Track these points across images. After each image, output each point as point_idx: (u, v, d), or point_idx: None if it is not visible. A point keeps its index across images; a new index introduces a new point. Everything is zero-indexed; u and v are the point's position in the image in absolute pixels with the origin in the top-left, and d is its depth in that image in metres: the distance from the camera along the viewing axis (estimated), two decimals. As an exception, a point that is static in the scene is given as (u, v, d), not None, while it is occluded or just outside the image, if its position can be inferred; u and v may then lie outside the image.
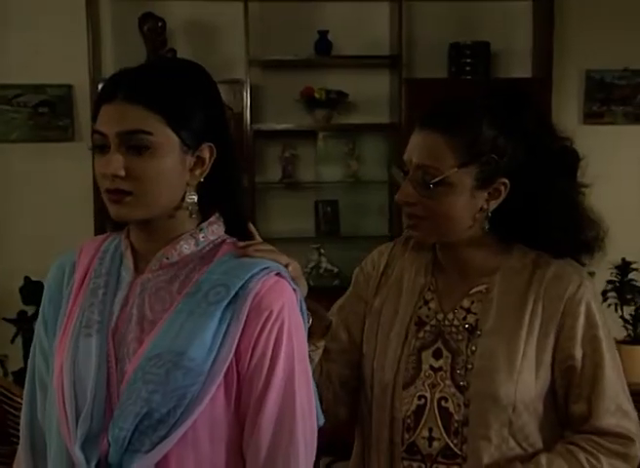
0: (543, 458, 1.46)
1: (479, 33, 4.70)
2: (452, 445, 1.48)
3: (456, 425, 1.48)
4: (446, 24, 4.75)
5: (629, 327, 3.44)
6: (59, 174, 4.63)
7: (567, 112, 4.65)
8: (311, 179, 4.84)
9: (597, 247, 1.56)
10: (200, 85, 1.34)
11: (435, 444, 1.49)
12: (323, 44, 4.63)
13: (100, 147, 1.26)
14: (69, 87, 4.64)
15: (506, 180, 1.49)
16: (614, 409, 1.48)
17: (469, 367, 1.49)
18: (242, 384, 1.26)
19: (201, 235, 1.32)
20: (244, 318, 1.25)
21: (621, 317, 3.41)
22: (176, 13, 4.65)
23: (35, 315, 4.40)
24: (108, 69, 4.63)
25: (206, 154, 1.30)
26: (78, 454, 1.21)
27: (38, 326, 1.40)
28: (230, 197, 1.38)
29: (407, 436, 1.52)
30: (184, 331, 1.23)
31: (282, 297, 1.28)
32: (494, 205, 1.51)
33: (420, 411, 1.51)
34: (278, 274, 1.30)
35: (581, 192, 1.57)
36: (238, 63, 4.61)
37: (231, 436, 1.27)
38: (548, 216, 1.51)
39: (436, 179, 1.46)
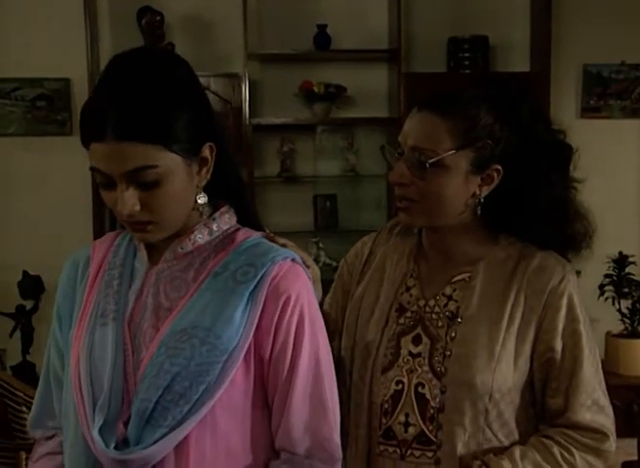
0: (517, 451, 1.47)
1: (477, 27, 4.69)
2: (427, 431, 1.49)
3: (432, 411, 1.49)
4: (444, 18, 4.75)
5: (626, 320, 3.45)
6: (57, 167, 4.63)
7: (564, 106, 4.66)
8: (310, 173, 4.84)
9: (584, 243, 1.57)
10: (183, 88, 1.27)
11: (411, 429, 1.51)
12: (322, 38, 4.62)
13: (104, 183, 1.24)
14: (67, 80, 4.63)
15: (500, 167, 1.50)
16: (590, 403, 1.49)
17: (447, 353, 1.50)
18: (266, 369, 1.29)
19: (214, 225, 1.35)
20: (262, 301, 1.27)
21: (619, 310, 3.43)
22: (174, 6, 4.64)
23: (33, 309, 4.41)
24: (106, 63, 4.63)
25: (207, 153, 1.30)
26: (97, 438, 1.23)
27: (53, 324, 1.42)
28: (235, 186, 1.39)
29: (384, 420, 1.53)
30: (211, 308, 1.26)
31: (298, 282, 1.32)
32: (486, 191, 1.51)
33: (397, 397, 1.52)
34: (293, 260, 1.33)
35: (573, 186, 1.57)
36: (236, 57, 4.60)
37: (248, 420, 1.29)
38: (535, 207, 1.52)
39: (433, 160, 1.46)
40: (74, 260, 1.42)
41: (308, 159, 4.83)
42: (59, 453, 1.40)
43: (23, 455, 2.80)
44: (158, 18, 4.53)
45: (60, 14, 4.55)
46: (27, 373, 4.20)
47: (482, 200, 1.52)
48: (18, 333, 4.39)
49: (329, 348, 1.36)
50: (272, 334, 1.28)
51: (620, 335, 3.44)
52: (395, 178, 1.52)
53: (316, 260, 4.77)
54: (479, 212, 1.52)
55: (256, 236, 1.36)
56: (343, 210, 4.88)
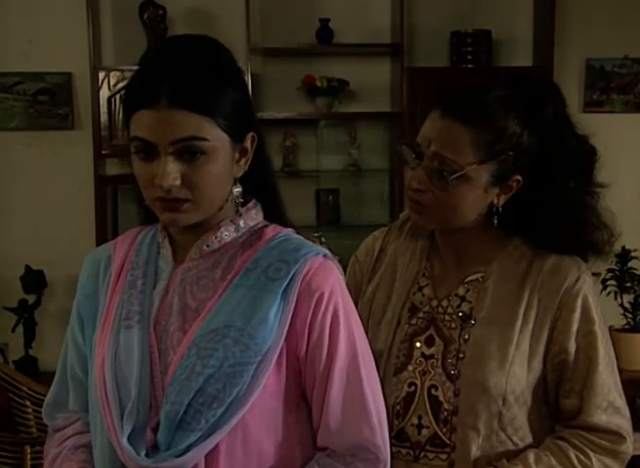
0: (531, 455, 1.45)
1: (480, 21, 4.68)
2: (441, 433, 1.48)
3: (445, 414, 1.47)
4: (447, 13, 4.74)
5: (629, 315, 3.44)
6: (58, 161, 4.62)
7: (567, 100, 4.64)
8: (312, 168, 4.83)
9: (602, 250, 1.53)
10: (233, 71, 1.28)
11: (424, 431, 1.49)
12: (324, 32, 4.61)
13: (145, 153, 1.20)
14: (69, 75, 4.62)
15: (520, 178, 1.47)
16: (605, 405, 1.47)
17: (461, 355, 1.48)
18: (302, 368, 1.26)
19: (241, 221, 1.30)
20: (294, 300, 1.23)
21: (621, 305, 3.42)
22: (176, 1, 4.63)
23: (35, 304, 4.41)
24: (108, 57, 4.63)
25: (248, 143, 1.28)
26: (127, 447, 1.18)
27: (73, 321, 1.38)
28: (266, 182, 1.36)
29: (396, 422, 1.51)
30: (243, 307, 1.22)
31: (330, 278, 1.27)
32: (503, 200, 1.48)
33: (409, 399, 1.51)
34: (325, 255, 1.29)
35: (594, 192, 1.53)
36: (239, 51, 4.56)
37: (280, 424, 1.25)
38: (551, 214, 1.48)
39: (456, 175, 1.42)
40: (94, 259, 1.37)
41: (311, 153, 4.83)
42: (87, 432, 1.33)
43: (28, 449, 2.81)
44: (160, 11, 4.52)
45: (63, 8, 4.54)
46: (30, 368, 4.20)
47: (500, 209, 1.48)
48: (20, 328, 4.39)
49: (367, 345, 1.31)
50: (306, 334, 1.24)
51: (623, 330, 3.43)
52: (414, 185, 1.48)
53: (318, 255, 4.77)
54: (496, 221, 1.49)
55: (285, 232, 1.32)
56: (346, 204, 4.88)
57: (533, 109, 1.47)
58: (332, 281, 1.27)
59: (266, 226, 1.32)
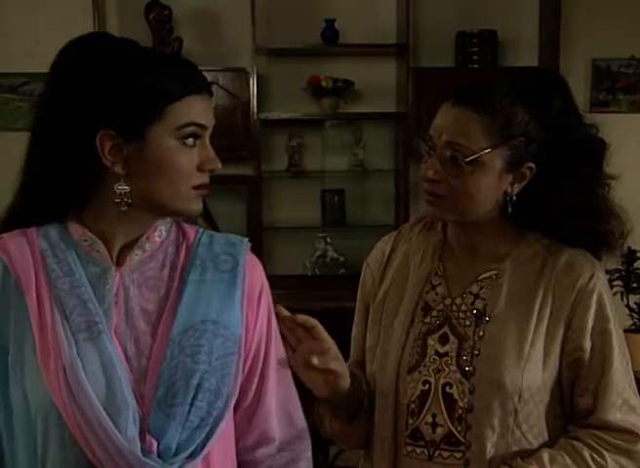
0: (546, 455, 1.44)
1: (486, 22, 4.68)
2: (455, 431, 1.47)
3: (460, 412, 1.47)
4: (453, 13, 4.73)
5: (635, 315, 3.44)
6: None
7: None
8: (318, 168, 4.83)
9: (615, 242, 1.53)
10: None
11: (439, 430, 1.48)
12: (330, 32, 4.61)
13: (194, 139, 1.21)
14: (76, 75, 4.63)
15: (533, 165, 1.47)
16: (620, 403, 1.47)
17: (476, 352, 1.47)
18: (245, 358, 1.29)
19: (167, 219, 1.31)
20: (247, 289, 1.29)
21: (627, 306, 3.42)
22: (182, 1, 4.64)
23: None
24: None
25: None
26: (145, 460, 1.15)
27: None
28: None
29: (411, 421, 1.51)
30: (209, 300, 1.24)
31: (261, 270, 1.34)
32: (517, 189, 1.48)
33: (424, 397, 1.50)
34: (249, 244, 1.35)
35: (605, 183, 1.53)
36: (244, 52, 4.60)
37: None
38: (564, 202, 1.48)
39: (470, 158, 1.43)
40: None
41: (316, 154, 4.83)
42: None
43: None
44: (166, 12, 4.53)
45: (68, 8, 4.55)
46: None
47: (514, 198, 1.48)
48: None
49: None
50: (253, 325, 1.29)
51: (629, 331, 3.43)
52: (429, 175, 1.48)
53: (324, 255, 4.78)
54: (510, 209, 1.49)
55: (195, 227, 1.34)
56: (351, 205, 4.88)
57: (539, 99, 1.48)
58: (262, 274, 1.34)
59: (176, 223, 1.33)
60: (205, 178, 1.23)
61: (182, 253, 1.28)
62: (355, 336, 1.69)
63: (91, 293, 1.20)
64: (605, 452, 1.45)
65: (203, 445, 1.20)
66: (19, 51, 4.60)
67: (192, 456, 1.19)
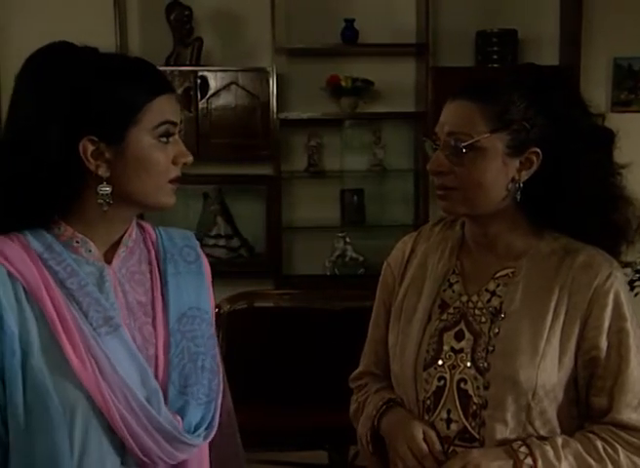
0: (559, 439, 1.45)
1: (506, 21, 4.66)
2: (470, 427, 1.48)
3: (474, 407, 1.48)
4: (473, 12, 4.72)
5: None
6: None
7: (594, 100, 4.59)
8: (337, 168, 4.83)
9: (633, 232, 1.53)
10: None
11: (453, 426, 1.49)
12: (349, 32, 4.61)
13: (170, 136, 1.29)
14: (97, 76, 4.66)
15: (538, 150, 1.47)
16: (636, 403, 1.46)
17: (491, 348, 1.48)
18: None
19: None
20: (209, 276, 1.44)
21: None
22: (202, 1, 4.66)
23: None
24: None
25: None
26: (190, 437, 1.28)
27: None
28: None
29: (426, 417, 1.52)
30: (189, 289, 1.38)
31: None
32: (525, 176, 1.49)
33: (439, 393, 1.51)
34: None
35: (617, 172, 1.53)
36: (264, 52, 4.61)
37: None
38: (576, 191, 1.48)
39: (468, 142, 1.45)
40: None
41: (335, 154, 4.83)
42: None
43: None
44: (187, 12, 4.55)
45: (90, 9, 4.58)
46: None
47: (521, 185, 1.49)
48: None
49: None
50: (213, 308, 1.44)
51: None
52: (434, 167, 1.51)
53: (343, 255, 4.78)
54: (519, 197, 1.50)
55: (147, 223, 1.44)
56: (370, 205, 4.87)
57: (538, 88, 1.49)
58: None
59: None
60: (178, 172, 1.31)
61: (150, 248, 1.39)
62: (375, 338, 1.71)
63: (96, 291, 1.27)
64: (619, 447, 1.45)
65: (212, 418, 1.32)
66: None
67: (208, 429, 1.31)
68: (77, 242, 1.28)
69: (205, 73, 4.56)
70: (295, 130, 4.74)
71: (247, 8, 4.68)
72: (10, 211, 1.26)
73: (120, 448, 1.24)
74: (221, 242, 4.67)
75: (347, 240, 4.78)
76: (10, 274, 1.22)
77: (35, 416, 1.20)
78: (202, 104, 4.55)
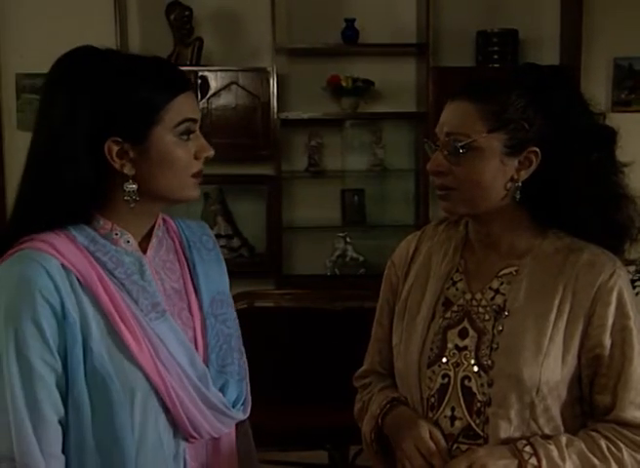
0: (563, 438, 1.45)
1: (507, 21, 4.66)
2: (474, 425, 1.49)
3: (478, 405, 1.48)
4: (473, 12, 4.72)
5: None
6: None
7: (595, 100, 4.59)
8: (338, 168, 4.83)
9: (634, 231, 1.53)
10: None
11: (457, 423, 1.50)
12: (350, 32, 4.61)
13: (191, 134, 1.35)
14: (97, 76, 4.66)
15: (537, 149, 1.47)
16: (639, 401, 1.46)
17: (494, 346, 1.49)
18: None
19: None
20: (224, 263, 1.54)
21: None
22: (203, 1, 4.66)
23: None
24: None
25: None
26: (233, 411, 1.41)
27: (34, 353, 1.24)
28: None
29: (430, 414, 1.53)
30: (214, 274, 1.48)
31: None
32: (524, 175, 1.49)
33: (443, 390, 1.52)
34: None
35: (619, 170, 1.54)
36: (265, 52, 4.62)
37: None
38: (577, 191, 1.49)
39: (465, 142, 1.46)
40: (47, 273, 1.26)
41: (336, 153, 4.83)
42: None
43: None
44: (187, 12, 4.55)
45: (90, 9, 4.58)
46: None
47: (521, 184, 1.49)
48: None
49: None
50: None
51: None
52: (433, 167, 1.52)
53: (343, 255, 4.78)
54: (518, 197, 1.50)
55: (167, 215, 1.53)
56: (371, 204, 4.87)
57: (538, 88, 1.49)
58: None
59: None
60: (200, 166, 1.37)
61: (174, 238, 1.47)
62: (378, 336, 1.72)
63: (140, 279, 1.35)
64: (622, 446, 1.45)
65: (246, 394, 1.45)
66: (41, 52, 4.62)
67: (244, 404, 1.44)
68: (116, 234, 1.35)
69: (205, 73, 4.56)
70: (295, 130, 4.74)
71: (247, 8, 4.68)
72: (49, 208, 1.30)
73: (172, 425, 1.33)
74: (222, 242, 4.67)
75: (348, 240, 4.78)
76: (64, 266, 1.28)
77: (98, 400, 1.26)
78: (202, 104, 4.55)
